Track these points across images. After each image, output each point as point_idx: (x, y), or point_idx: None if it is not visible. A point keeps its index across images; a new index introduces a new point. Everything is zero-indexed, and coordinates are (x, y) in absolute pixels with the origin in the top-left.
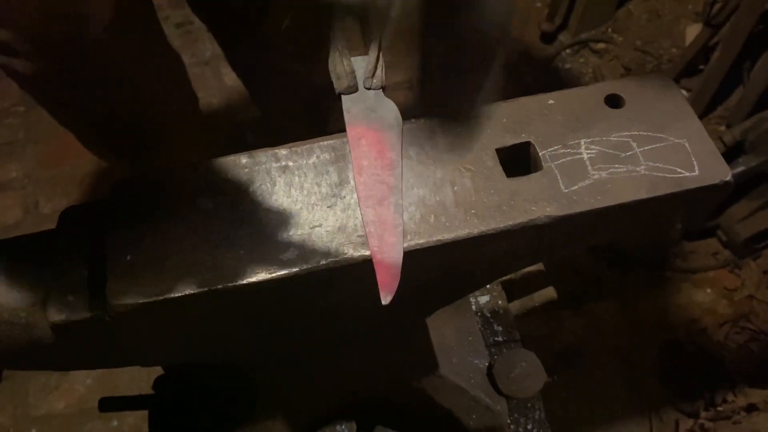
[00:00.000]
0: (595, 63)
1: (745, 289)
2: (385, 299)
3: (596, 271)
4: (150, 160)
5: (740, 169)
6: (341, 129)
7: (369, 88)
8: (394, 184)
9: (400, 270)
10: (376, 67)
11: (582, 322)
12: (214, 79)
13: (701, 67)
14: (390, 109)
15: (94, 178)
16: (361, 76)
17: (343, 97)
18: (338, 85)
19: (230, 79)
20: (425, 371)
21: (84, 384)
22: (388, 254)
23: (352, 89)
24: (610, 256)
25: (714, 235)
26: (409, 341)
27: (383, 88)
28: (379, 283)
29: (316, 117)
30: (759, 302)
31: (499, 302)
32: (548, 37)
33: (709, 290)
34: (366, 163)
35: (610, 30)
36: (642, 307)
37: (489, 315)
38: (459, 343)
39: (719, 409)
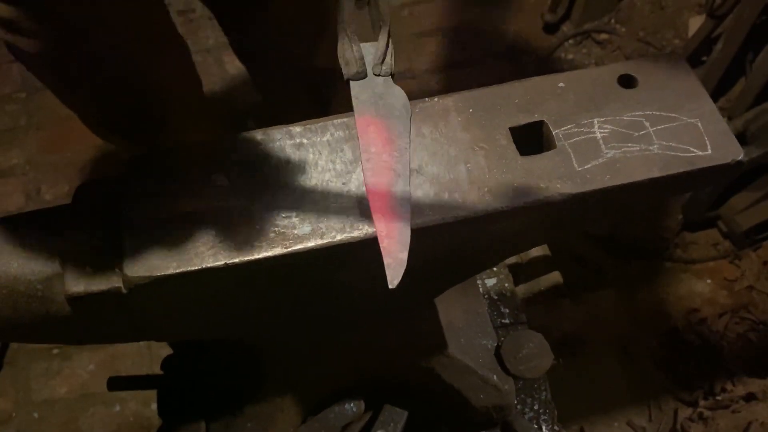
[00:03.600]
0: (597, 54)
1: (744, 279)
2: (392, 283)
3: (597, 260)
4: (153, 142)
5: None
6: (343, 113)
7: (378, 75)
8: (402, 170)
9: (406, 254)
10: (385, 54)
11: (582, 311)
12: (216, 67)
13: (704, 58)
14: (399, 97)
15: (95, 164)
16: (370, 62)
17: (351, 83)
18: (347, 71)
19: (232, 67)
20: (434, 350)
21: (86, 369)
22: (395, 239)
23: (361, 75)
24: (611, 246)
25: (714, 225)
26: (418, 321)
27: (392, 75)
28: (386, 267)
29: (318, 101)
30: (759, 293)
31: (506, 285)
32: (551, 28)
33: (709, 281)
34: (374, 150)
35: (613, 21)
36: (642, 297)
37: (496, 297)
38: (467, 324)
39: (718, 398)
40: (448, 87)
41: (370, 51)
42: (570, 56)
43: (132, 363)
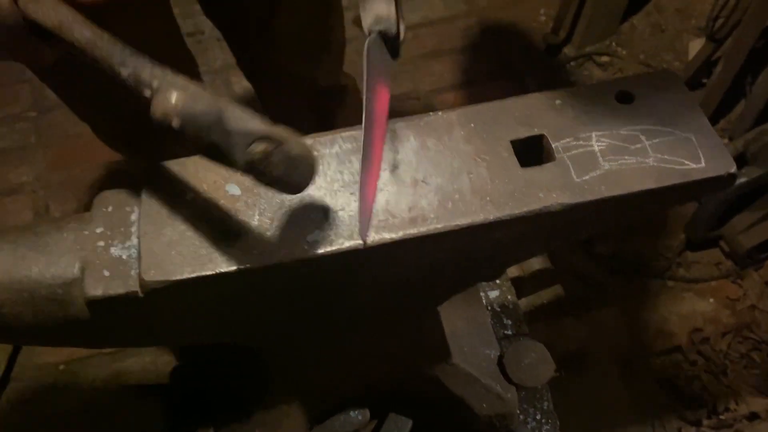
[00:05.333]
0: (599, 76)
1: (747, 299)
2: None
3: (600, 278)
4: (161, 155)
5: (742, 180)
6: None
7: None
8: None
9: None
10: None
11: (585, 329)
12: (224, 88)
13: (704, 80)
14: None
15: (104, 182)
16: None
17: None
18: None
19: (240, 87)
20: (438, 359)
21: (92, 386)
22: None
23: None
24: (613, 264)
25: (716, 245)
26: (422, 330)
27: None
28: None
29: (321, 119)
30: (761, 312)
31: (509, 297)
32: (553, 50)
33: (711, 300)
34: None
35: (613, 44)
36: (645, 316)
37: (499, 309)
38: (470, 334)
39: (722, 417)
40: (453, 106)
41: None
42: (572, 78)
43: (137, 380)
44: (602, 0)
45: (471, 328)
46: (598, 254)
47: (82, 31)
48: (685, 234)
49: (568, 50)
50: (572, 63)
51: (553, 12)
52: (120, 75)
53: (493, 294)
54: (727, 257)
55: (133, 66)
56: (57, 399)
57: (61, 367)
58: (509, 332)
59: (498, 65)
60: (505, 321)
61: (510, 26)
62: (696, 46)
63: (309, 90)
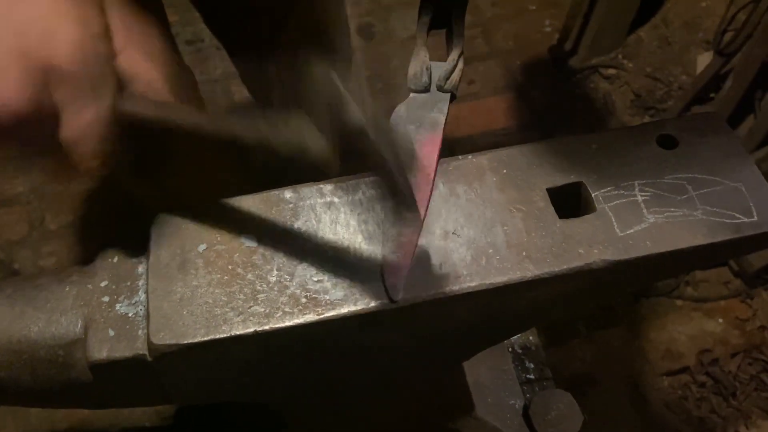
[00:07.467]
0: (605, 88)
1: (757, 319)
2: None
3: None
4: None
5: None
6: None
7: (441, 90)
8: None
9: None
10: (452, 71)
11: (592, 350)
12: (224, 97)
13: (712, 95)
14: (436, 113)
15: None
16: (436, 78)
17: (411, 95)
18: (413, 84)
19: (240, 96)
20: (461, 413)
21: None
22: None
23: (422, 89)
24: None
25: (726, 264)
26: (445, 382)
27: (454, 94)
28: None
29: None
30: None
31: (530, 338)
32: (558, 62)
33: (720, 320)
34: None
35: (620, 56)
36: (653, 336)
37: (520, 351)
38: (494, 383)
39: None
40: (457, 118)
41: (440, 67)
42: (577, 90)
43: (133, 418)
44: (609, 12)
45: (494, 376)
46: None
47: (187, 114)
48: None
49: (574, 62)
50: (578, 75)
51: (558, 23)
52: (248, 142)
53: (515, 336)
54: (736, 276)
55: (257, 129)
56: (52, 418)
57: None
58: (532, 376)
59: (503, 77)
60: (527, 364)
61: (515, 37)
62: (704, 59)
63: None
